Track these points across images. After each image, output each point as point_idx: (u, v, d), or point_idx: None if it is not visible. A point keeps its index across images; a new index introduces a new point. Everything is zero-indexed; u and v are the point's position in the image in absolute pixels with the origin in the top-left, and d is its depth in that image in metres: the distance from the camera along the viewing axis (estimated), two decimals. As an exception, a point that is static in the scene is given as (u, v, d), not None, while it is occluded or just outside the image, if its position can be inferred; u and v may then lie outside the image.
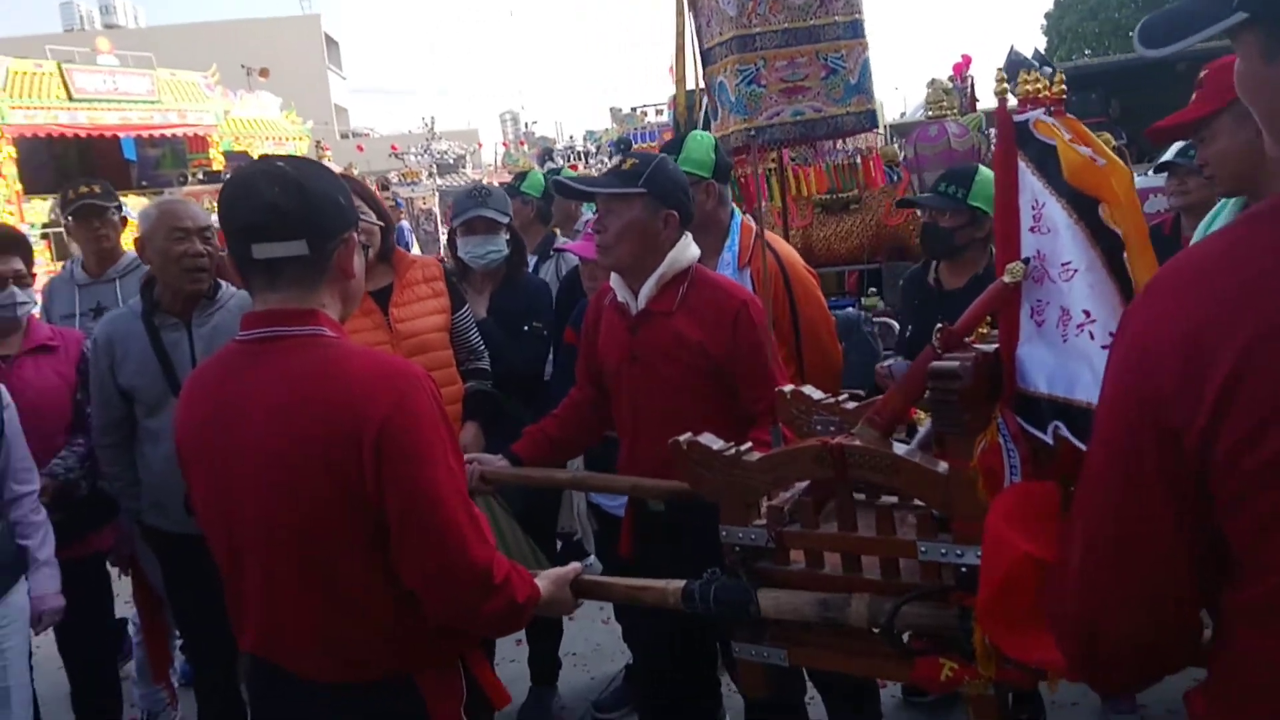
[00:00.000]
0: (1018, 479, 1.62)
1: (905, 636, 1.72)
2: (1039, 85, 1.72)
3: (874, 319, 5.64)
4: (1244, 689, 1.08)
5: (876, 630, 1.72)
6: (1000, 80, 1.70)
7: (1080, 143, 1.62)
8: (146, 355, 3.00)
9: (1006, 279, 1.63)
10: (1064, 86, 1.76)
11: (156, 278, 3.05)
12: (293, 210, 1.70)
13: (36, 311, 3.52)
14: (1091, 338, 1.55)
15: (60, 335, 3.37)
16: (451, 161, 17.88)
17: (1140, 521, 1.10)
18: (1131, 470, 1.09)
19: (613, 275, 2.73)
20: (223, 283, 3.13)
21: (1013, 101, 1.66)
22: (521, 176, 5.10)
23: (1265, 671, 1.04)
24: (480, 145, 37.22)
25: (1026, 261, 1.62)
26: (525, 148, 28.21)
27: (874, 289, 6.83)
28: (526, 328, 3.62)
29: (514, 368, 3.55)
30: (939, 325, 1.72)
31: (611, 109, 27.81)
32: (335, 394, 1.68)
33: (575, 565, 2.08)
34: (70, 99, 17.52)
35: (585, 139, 27.79)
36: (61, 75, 17.57)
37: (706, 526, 2.37)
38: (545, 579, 1.97)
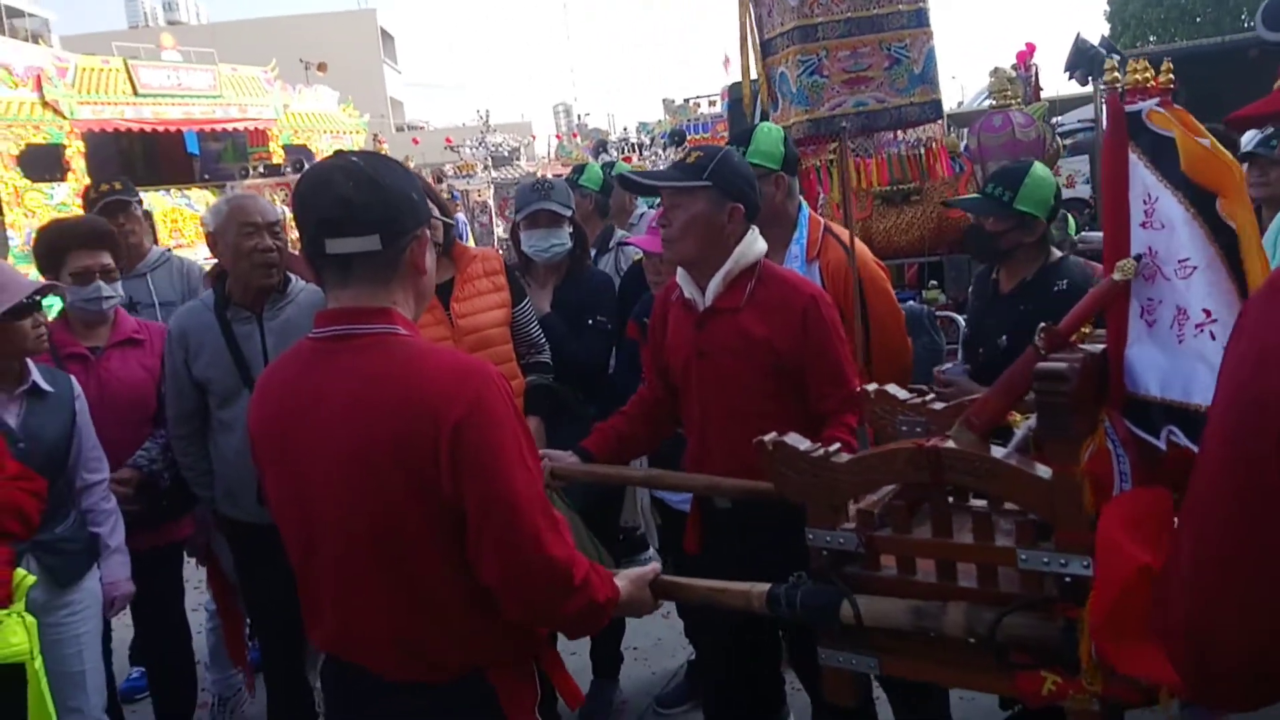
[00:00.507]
0: (1128, 486, 1.55)
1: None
2: (1148, 74, 1.63)
3: (936, 313, 5.53)
4: None
5: (973, 640, 1.65)
6: (1111, 69, 1.62)
7: (1195, 134, 1.53)
8: (219, 348, 3.00)
9: (1116, 276, 1.55)
10: (1172, 76, 1.67)
11: (228, 272, 3.05)
12: (366, 205, 1.67)
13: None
14: (1212, 338, 1.46)
15: (146, 328, 3.38)
16: (506, 154, 17.87)
17: (1258, 536, 1.01)
18: (1248, 481, 1.00)
19: (679, 271, 2.66)
20: (292, 276, 3.12)
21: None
22: (580, 170, 5.04)
23: None
24: (534, 138, 37.27)
25: (1138, 258, 1.54)
26: (579, 140, 28.16)
27: (935, 282, 6.70)
28: (590, 321, 3.56)
29: (577, 361, 3.49)
30: (1042, 325, 1.65)
31: (664, 100, 27.64)
32: (409, 393, 1.65)
33: (654, 565, 2.02)
34: (136, 94, 17.78)
35: (638, 131, 27.64)
36: (128, 71, 17.82)
37: (774, 525, 2.32)
38: (624, 579, 1.93)
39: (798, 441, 1.87)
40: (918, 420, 2.09)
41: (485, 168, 17.17)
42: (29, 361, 2.74)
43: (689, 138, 17.00)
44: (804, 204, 3.26)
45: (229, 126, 19.39)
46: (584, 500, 3.06)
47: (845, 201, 5.52)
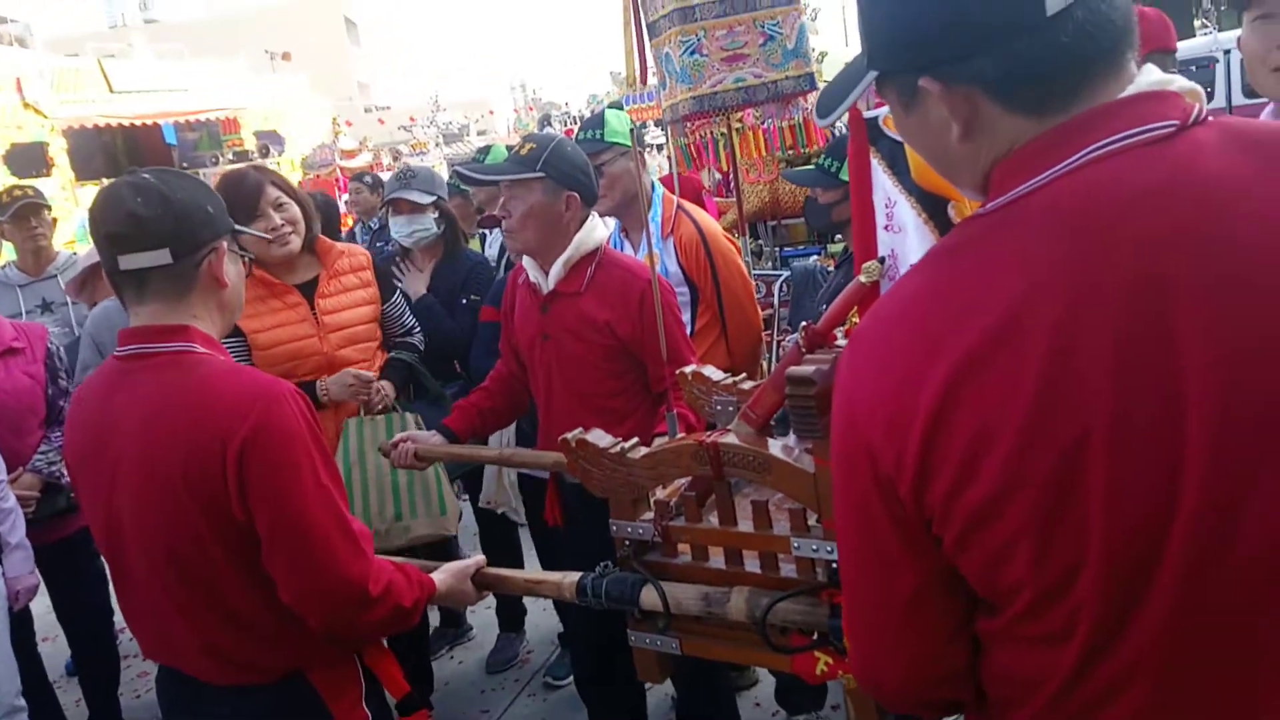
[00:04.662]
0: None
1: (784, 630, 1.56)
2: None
3: (829, 270, 5.43)
4: (1002, 700, 0.95)
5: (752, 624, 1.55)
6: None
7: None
8: None
9: (863, 278, 1.43)
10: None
11: None
12: (155, 219, 1.54)
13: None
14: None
15: (24, 334, 3.13)
16: (456, 131, 17.41)
17: (882, 569, 0.94)
18: (862, 517, 0.94)
19: (524, 257, 2.52)
20: None
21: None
22: (485, 151, 4.83)
23: (1016, 684, 0.93)
24: (492, 113, 36.43)
25: (882, 260, 1.42)
26: (534, 113, 27.57)
27: (839, 236, 6.56)
28: (464, 300, 3.41)
29: (452, 339, 3.35)
30: (803, 323, 1.53)
31: (611, 73, 27.08)
32: (197, 416, 1.52)
33: (479, 558, 1.91)
34: (111, 92, 17.24)
35: (589, 103, 27.05)
36: (102, 71, 17.28)
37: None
38: (445, 573, 1.82)
39: (599, 438, 1.76)
40: (731, 400, 1.99)
41: (437, 144, 16.74)
42: None
43: (628, 107, 16.56)
44: (657, 183, 3.12)
45: (202, 117, 18.82)
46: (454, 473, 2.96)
47: (735, 173, 5.35)
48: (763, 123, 5.73)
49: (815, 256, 6.61)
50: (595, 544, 1.92)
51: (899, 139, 1.39)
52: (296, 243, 2.74)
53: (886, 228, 1.41)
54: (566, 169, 2.40)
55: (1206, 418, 0.77)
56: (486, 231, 4.26)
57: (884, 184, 1.40)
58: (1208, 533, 0.79)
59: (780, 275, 5.65)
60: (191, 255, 1.59)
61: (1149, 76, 0.88)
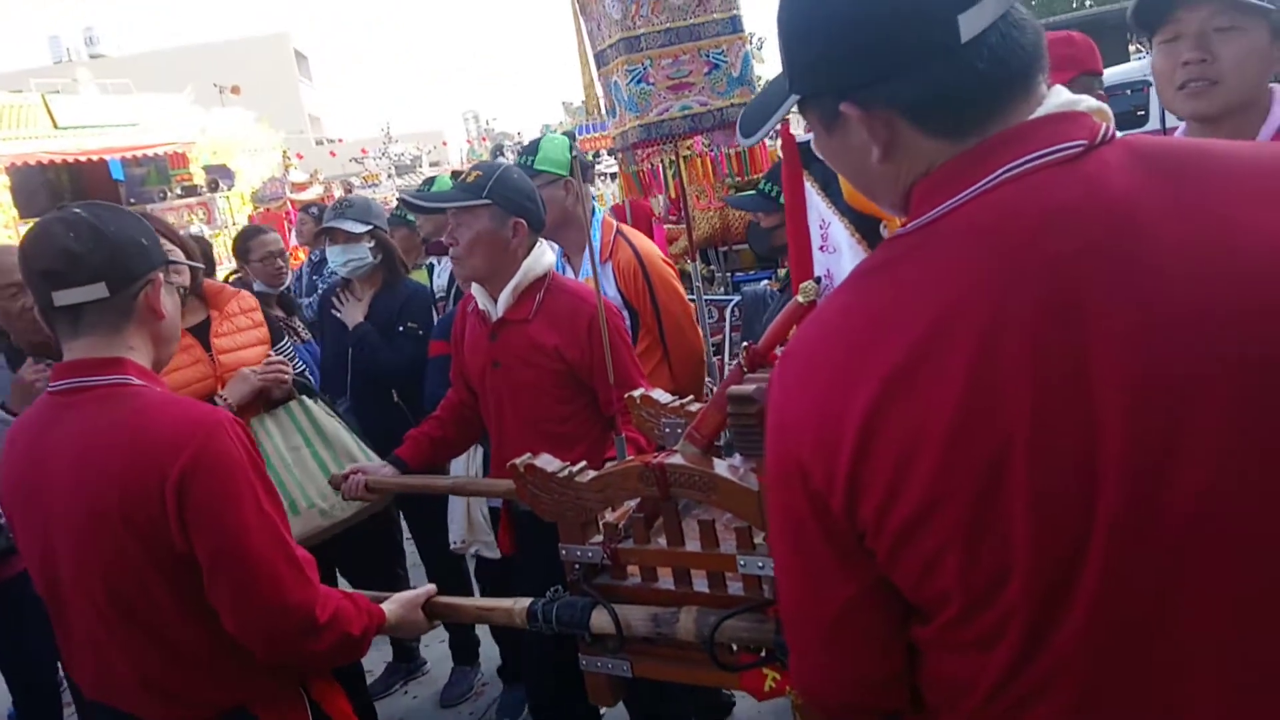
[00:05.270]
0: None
1: (734, 647, 1.56)
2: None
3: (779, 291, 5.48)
4: (937, 705, 0.97)
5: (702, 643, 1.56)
6: (782, 99, 1.51)
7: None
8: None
9: (800, 299, 1.46)
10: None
11: (6, 330, 2.81)
12: (88, 253, 1.54)
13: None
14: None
15: None
16: (408, 162, 17.37)
17: (816, 583, 0.97)
18: (796, 532, 0.96)
19: (473, 284, 2.53)
20: None
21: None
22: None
23: (949, 688, 0.95)
24: (445, 144, 36.47)
25: (818, 280, 1.45)
26: (487, 143, 27.59)
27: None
28: (401, 329, 3.40)
29: (390, 368, 3.34)
30: (744, 344, 1.55)
31: (563, 102, 27.22)
32: (135, 448, 1.51)
33: (429, 587, 1.90)
34: (56, 128, 16.92)
35: (542, 132, 27.15)
36: (46, 107, 16.95)
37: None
38: (395, 603, 1.81)
39: (547, 463, 1.76)
40: (679, 422, 2.01)
41: (390, 176, 16.68)
42: None
43: (580, 138, 16.60)
44: (597, 208, 3.15)
45: (149, 152, 18.55)
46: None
47: (685, 199, 5.40)
48: (710, 150, 5.82)
49: (766, 281, 6.66)
50: (549, 570, 1.92)
51: (831, 162, 1.42)
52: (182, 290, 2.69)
53: (822, 248, 1.44)
54: (512, 195, 2.42)
55: (1120, 425, 0.80)
56: (435, 261, 4.24)
57: (818, 206, 1.43)
58: (1126, 535, 0.81)
59: (732, 300, 5.69)
60: (127, 288, 1.59)
61: (1058, 98, 0.91)
